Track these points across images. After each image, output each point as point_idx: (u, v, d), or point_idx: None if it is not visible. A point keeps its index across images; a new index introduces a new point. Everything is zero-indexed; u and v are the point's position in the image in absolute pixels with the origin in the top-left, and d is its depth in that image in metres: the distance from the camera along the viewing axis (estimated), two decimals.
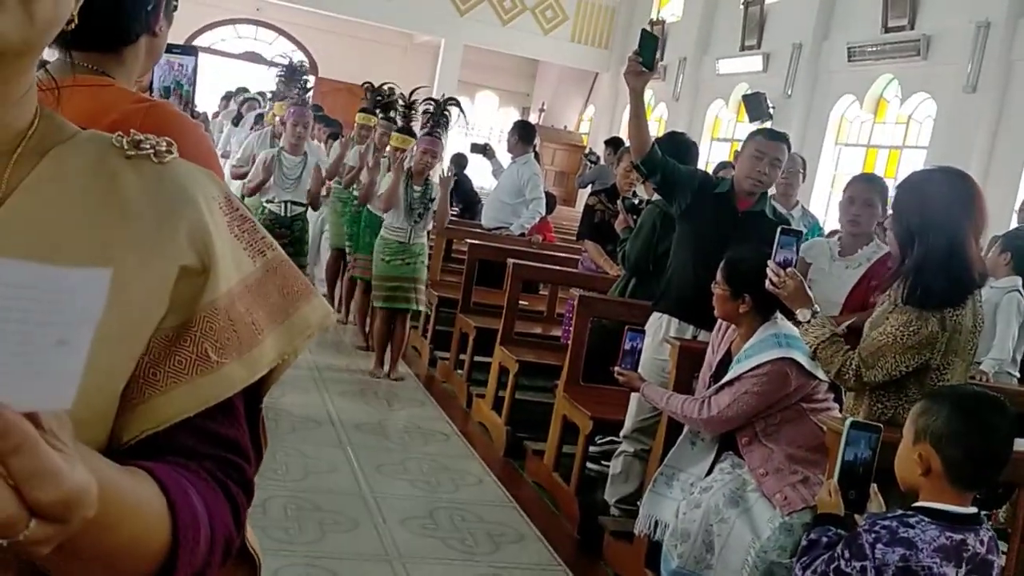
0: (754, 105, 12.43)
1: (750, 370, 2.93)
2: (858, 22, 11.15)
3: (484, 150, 8.69)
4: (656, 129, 13.47)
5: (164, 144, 0.80)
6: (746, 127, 11.95)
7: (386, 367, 5.89)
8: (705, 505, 2.88)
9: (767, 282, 2.88)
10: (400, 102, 6.95)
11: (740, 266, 3.06)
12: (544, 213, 7.41)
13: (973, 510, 2.00)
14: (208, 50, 17.14)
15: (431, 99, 6.54)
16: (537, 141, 8.31)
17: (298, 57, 10.72)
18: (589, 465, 4.31)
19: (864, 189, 3.74)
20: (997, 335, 4.20)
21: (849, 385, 2.72)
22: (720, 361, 3.15)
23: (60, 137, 0.78)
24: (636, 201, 5.09)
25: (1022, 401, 3.06)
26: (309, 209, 5.90)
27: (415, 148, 5.86)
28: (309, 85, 7.59)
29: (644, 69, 3.68)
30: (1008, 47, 9.07)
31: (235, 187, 5.75)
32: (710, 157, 13.35)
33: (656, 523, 3.12)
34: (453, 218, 6.77)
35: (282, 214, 5.60)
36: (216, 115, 11.11)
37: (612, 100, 16.56)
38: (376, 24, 16.23)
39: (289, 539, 3.37)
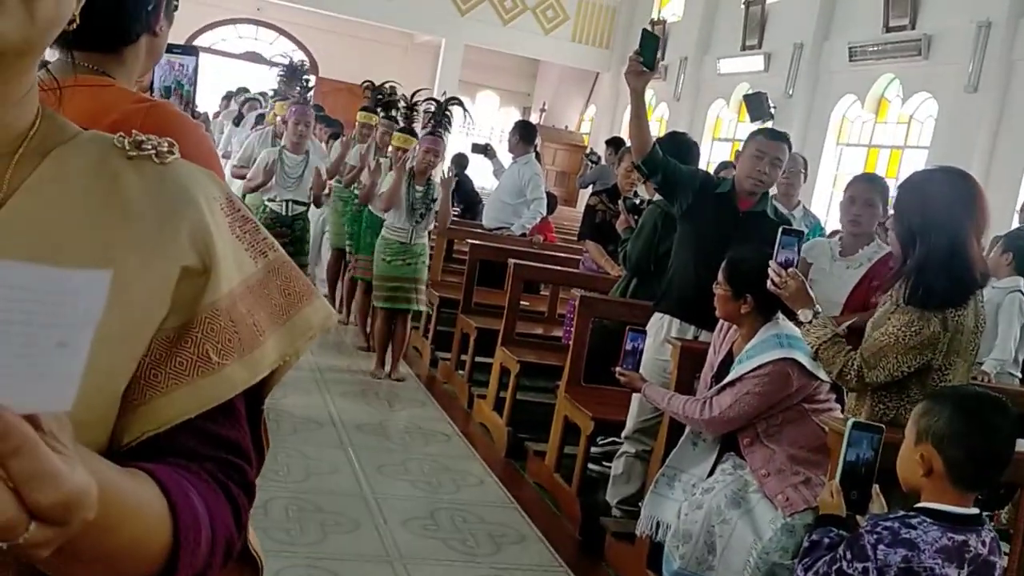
0: (755, 105, 12.42)
1: (752, 371, 2.93)
2: (859, 22, 11.14)
3: (485, 150, 8.67)
4: (657, 129, 13.48)
5: (166, 145, 0.80)
6: (747, 127, 11.93)
7: (387, 368, 5.89)
8: (707, 506, 2.88)
9: (768, 282, 2.87)
10: (402, 103, 6.94)
11: (741, 266, 3.06)
12: (545, 213, 7.40)
13: (975, 511, 1.99)
14: (209, 50, 17.14)
15: (432, 99, 6.53)
16: (538, 141, 8.31)
17: (299, 57, 10.73)
18: (590, 466, 4.31)
19: (865, 189, 3.74)
20: (999, 335, 4.20)
21: (851, 385, 2.71)
22: (722, 362, 3.15)
23: (62, 138, 0.78)
24: (637, 201, 5.09)
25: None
26: (311, 208, 5.90)
27: (417, 148, 5.86)
28: (311, 84, 7.58)
29: (645, 69, 3.68)
30: (1009, 47, 9.07)
31: (236, 187, 5.75)
32: (711, 157, 13.34)
33: (658, 524, 3.12)
34: (454, 218, 6.75)
35: (283, 213, 5.60)
36: (217, 115, 11.10)
37: (613, 100, 16.54)
38: (377, 24, 16.21)
39: (290, 540, 3.37)
